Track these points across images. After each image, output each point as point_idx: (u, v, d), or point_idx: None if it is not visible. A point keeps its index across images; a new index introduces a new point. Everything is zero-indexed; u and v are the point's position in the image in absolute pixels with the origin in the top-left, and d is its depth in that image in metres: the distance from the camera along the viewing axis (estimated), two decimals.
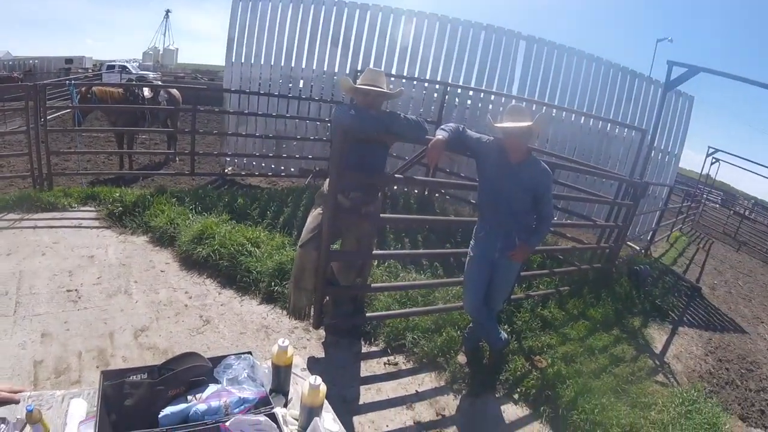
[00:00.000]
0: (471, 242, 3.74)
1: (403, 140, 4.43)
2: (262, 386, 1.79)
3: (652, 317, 6.07)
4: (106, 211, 6.33)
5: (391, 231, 6.35)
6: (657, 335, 5.67)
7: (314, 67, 8.59)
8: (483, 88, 8.49)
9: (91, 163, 9.58)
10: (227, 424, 1.54)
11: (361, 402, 3.58)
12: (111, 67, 33.97)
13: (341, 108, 4.06)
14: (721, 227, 20.02)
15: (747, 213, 23.68)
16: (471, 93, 8.67)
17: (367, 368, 3.96)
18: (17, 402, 1.79)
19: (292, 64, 8.60)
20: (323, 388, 1.72)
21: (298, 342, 4.13)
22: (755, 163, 18.74)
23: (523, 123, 3.20)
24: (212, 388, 1.76)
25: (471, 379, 3.89)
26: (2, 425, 1.63)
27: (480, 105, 8.63)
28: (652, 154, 8.49)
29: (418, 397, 3.69)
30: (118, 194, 6.64)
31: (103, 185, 7.51)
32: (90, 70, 36.86)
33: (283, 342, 1.85)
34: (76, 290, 4.63)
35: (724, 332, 6.88)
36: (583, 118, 8.66)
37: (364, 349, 4.19)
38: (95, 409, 1.63)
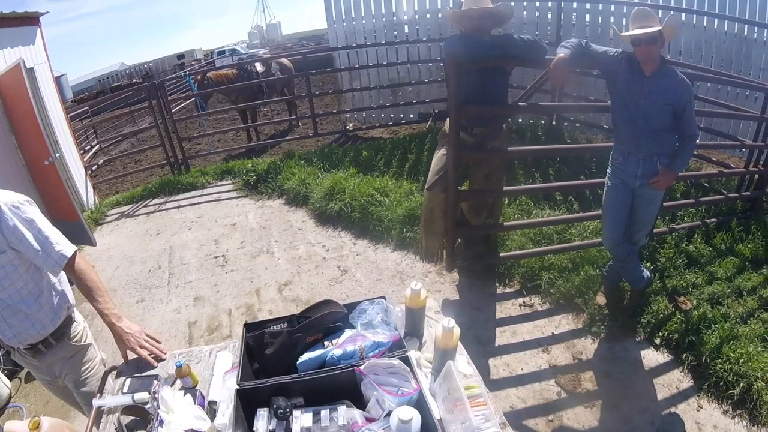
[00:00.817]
0: (608, 170, 3.36)
1: (521, 64, 4.08)
2: (396, 330, 1.75)
3: None
4: (242, 181, 6.81)
5: (521, 166, 6.02)
6: None
7: (416, 8, 8.22)
8: None
9: (221, 142, 10.28)
10: (362, 367, 1.52)
11: (496, 344, 3.49)
12: (222, 53, 35.85)
13: (451, 39, 3.75)
14: None
15: None
16: (588, 6, 7.76)
17: (502, 310, 3.83)
18: (154, 365, 1.95)
19: (393, 9, 8.31)
20: (457, 330, 1.64)
21: (432, 285, 4.10)
22: None
23: (652, 27, 2.80)
24: (347, 333, 1.76)
25: (610, 321, 3.57)
26: (155, 381, 1.77)
27: (600, 20, 7.70)
28: None
29: (555, 339, 3.50)
30: (250, 165, 7.11)
31: (236, 159, 8.01)
32: (202, 60, 39.01)
33: (415, 285, 1.79)
34: (222, 256, 5.01)
35: None
36: (717, 21, 7.39)
37: (499, 291, 4.06)
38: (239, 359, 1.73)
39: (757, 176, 5.09)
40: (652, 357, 3.30)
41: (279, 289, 4.30)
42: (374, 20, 8.37)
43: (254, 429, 1.42)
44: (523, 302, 3.88)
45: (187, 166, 7.76)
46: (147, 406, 1.68)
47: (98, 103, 16.00)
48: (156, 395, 1.67)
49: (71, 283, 2.18)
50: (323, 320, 1.76)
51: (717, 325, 3.32)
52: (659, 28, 2.79)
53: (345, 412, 1.45)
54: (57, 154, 5.88)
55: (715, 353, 3.13)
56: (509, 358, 3.32)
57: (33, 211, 1.93)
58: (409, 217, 4.76)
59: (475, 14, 3.32)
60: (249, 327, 1.79)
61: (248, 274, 4.61)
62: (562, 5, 7.34)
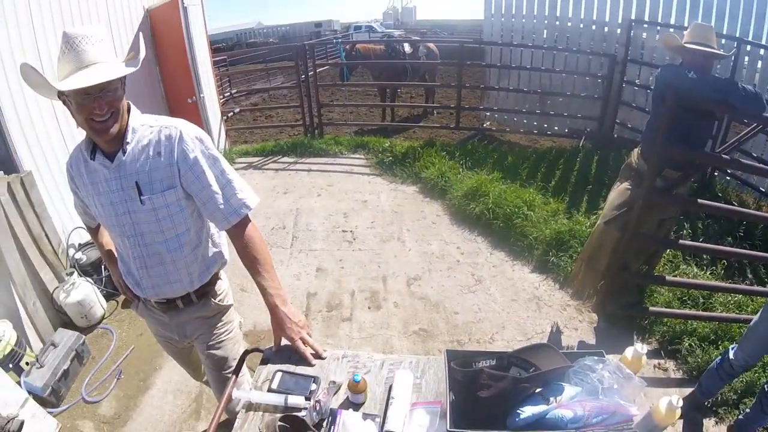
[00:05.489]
0: None
1: (736, 115, 3.65)
2: (626, 400, 1.43)
3: None
4: (376, 159, 6.65)
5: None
6: None
7: (582, 16, 7.60)
8: None
9: (353, 114, 10.19)
10: None
11: None
12: (358, 28, 36.23)
13: (673, 69, 3.37)
14: None
15: None
16: (762, 52, 6.93)
17: None
18: (312, 365, 1.65)
19: (557, 13, 7.77)
20: (678, 411, 1.44)
21: (569, 322, 3.74)
22: None
23: None
24: (569, 390, 1.47)
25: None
26: (313, 384, 1.53)
27: None
28: None
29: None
30: (387, 144, 6.95)
31: (368, 135, 7.90)
32: (338, 32, 39.71)
33: (642, 348, 1.62)
34: (351, 231, 4.87)
35: None
36: None
37: (637, 346, 3.60)
38: (419, 381, 1.57)
39: None
40: None
41: (407, 282, 4.09)
42: (535, 20, 7.92)
43: None
44: (658, 364, 3.44)
45: (321, 131, 7.75)
46: (302, 414, 1.41)
47: (236, 54, 16.63)
48: (319, 405, 1.41)
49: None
50: (552, 374, 1.47)
51: None
52: None
53: None
54: (201, 94, 5.97)
55: None
56: None
57: (215, 148, 1.69)
58: (555, 240, 4.36)
59: (703, 53, 3.04)
60: (452, 355, 1.52)
61: (376, 257, 4.43)
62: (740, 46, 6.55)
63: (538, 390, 1.46)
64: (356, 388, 1.46)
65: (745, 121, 4.31)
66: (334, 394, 1.52)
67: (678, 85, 2.96)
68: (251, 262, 1.71)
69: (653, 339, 3.64)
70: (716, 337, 3.52)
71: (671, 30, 6.27)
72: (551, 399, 1.43)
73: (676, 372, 3.39)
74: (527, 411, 1.37)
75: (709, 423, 2.94)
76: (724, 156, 3.92)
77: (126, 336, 3.67)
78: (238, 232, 1.70)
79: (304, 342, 1.69)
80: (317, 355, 1.67)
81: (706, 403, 3.02)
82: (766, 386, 2.60)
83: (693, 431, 2.90)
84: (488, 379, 1.40)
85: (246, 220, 1.71)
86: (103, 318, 3.86)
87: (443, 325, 3.61)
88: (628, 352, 1.62)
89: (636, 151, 3.39)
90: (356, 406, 1.49)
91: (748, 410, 2.78)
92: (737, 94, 2.93)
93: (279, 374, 1.57)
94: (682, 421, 2.93)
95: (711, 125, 3.27)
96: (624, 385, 1.46)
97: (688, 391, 3.10)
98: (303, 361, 1.65)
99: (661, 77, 3.31)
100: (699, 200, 3.46)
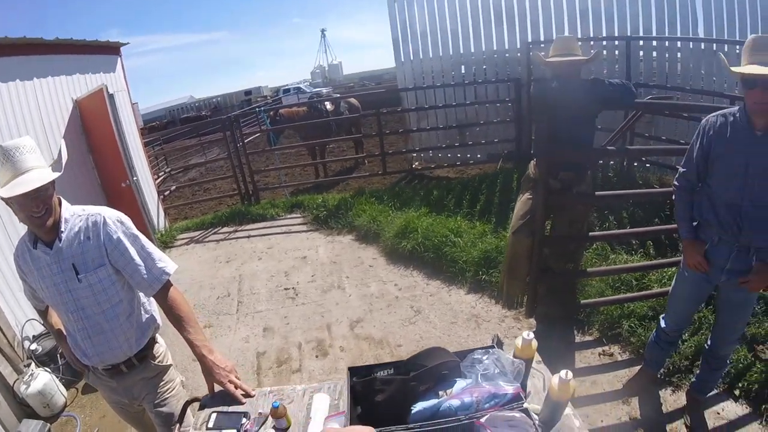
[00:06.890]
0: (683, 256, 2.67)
1: (610, 108, 4.00)
2: (513, 382, 1.64)
3: None
4: (312, 215, 6.91)
5: (594, 209, 5.77)
6: None
7: (483, 48, 8.24)
8: (666, 35, 7.24)
9: (288, 176, 10.46)
10: (483, 420, 1.44)
11: (575, 394, 3.27)
12: (287, 91, 37.30)
13: (540, 84, 3.74)
14: None
15: None
16: (655, 44, 7.56)
17: (582, 359, 3.63)
18: (243, 403, 1.87)
19: (461, 50, 8.38)
20: (573, 383, 1.56)
21: (509, 331, 3.94)
22: None
23: None
24: (461, 382, 1.66)
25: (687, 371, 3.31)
26: (244, 418, 1.72)
27: (667, 55, 7.39)
28: None
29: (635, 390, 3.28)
30: (320, 200, 7.22)
31: (304, 194, 8.17)
32: (269, 97, 40.58)
33: (528, 335, 1.75)
34: (293, 288, 5.02)
35: None
36: None
37: (578, 339, 3.86)
38: (336, 402, 1.73)
39: None
40: (730, 408, 3.01)
41: (351, 326, 4.24)
42: (441, 60, 8.49)
43: None
44: (603, 351, 3.66)
45: (257, 197, 7.95)
46: None
47: (169, 132, 16.86)
48: None
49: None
50: (438, 369, 1.67)
51: None
52: None
53: None
54: (135, 178, 6.10)
55: None
56: (589, 410, 3.12)
57: (134, 228, 1.97)
58: (484, 260, 4.62)
59: (562, 64, 3.31)
60: (353, 371, 1.72)
61: (319, 308, 4.58)
62: (630, 43, 7.19)
63: (432, 388, 1.65)
64: (276, 413, 1.64)
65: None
66: (262, 424, 1.73)
67: (545, 96, 3.30)
68: (177, 320, 1.96)
69: (593, 329, 3.87)
70: (655, 314, 3.75)
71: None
72: (441, 393, 1.62)
73: (622, 355, 3.61)
74: (419, 406, 1.55)
75: (665, 393, 3.14)
76: (609, 148, 4.28)
77: (89, 420, 3.69)
78: (162, 296, 1.97)
79: (234, 384, 1.90)
80: (247, 394, 1.89)
81: (659, 375, 3.22)
82: (706, 345, 2.85)
83: (650, 404, 3.09)
84: (381, 384, 1.61)
85: (168, 285, 1.98)
86: (65, 405, 3.86)
87: (388, 359, 3.69)
88: (518, 341, 1.77)
89: (532, 163, 3.69)
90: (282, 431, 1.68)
91: (698, 372, 2.98)
92: (604, 90, 3.25)
93: (214, 415, 1.77)
94: (637, 397, 3.14)
95: (591, 123, 3.49)
96: (505, 369, 1.67)
97: (638, 368, 3.29)
98: (236, 401, 1.86)
99: (532, 95, 3.68)
100: (597, 192, 3.78)
